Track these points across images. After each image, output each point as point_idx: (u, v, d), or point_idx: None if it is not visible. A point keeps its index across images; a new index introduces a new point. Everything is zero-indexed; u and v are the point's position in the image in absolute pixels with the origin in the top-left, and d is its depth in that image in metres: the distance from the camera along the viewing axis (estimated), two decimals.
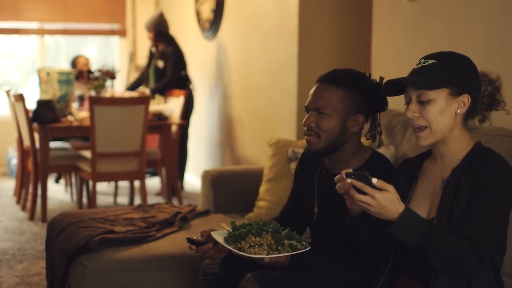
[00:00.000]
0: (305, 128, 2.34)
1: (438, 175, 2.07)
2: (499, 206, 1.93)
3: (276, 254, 2.15)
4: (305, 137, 2.34)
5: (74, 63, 7.08)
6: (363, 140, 2.44)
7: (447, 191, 1.99)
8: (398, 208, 1.87)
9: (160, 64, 6.73)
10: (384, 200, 1.85)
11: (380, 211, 1.86)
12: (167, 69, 6.61)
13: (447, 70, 1.99)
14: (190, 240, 2.37)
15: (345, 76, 2.33)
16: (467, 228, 1.90)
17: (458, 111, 2.01)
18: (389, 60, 3.99)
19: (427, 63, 2.01)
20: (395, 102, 2.48)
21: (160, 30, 6.69)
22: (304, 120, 2.34)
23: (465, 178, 1.96)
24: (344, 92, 2.29)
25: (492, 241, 1.91)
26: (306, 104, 2.35)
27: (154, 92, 6.63)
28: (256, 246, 2.15)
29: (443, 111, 1.99)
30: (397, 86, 2.07)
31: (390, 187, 1.86)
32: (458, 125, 2.04)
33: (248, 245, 2.15)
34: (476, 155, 2.00)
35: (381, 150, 3.16)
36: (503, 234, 1.95)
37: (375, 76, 2.44)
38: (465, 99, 2.01)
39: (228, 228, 2.26)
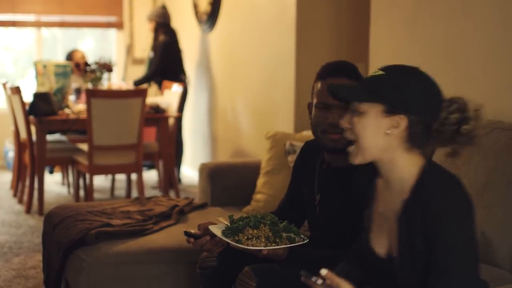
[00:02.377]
0: (329, 126, 2.29)
1: (390, 204, 1.91)
2: (463, 244, 1.75)
3: (274, 246, 2.14)
4: (334, 135, 2.30)
5: (70, 57, 7.07)
6: None
7: (402, 231, 1.84)
8: None
9: (151, 54, 6.80)
10: None
11: None
12: (153, 61, 6.68)
13: (388, 86, 1.83)
14: (187, 234, 2.36)
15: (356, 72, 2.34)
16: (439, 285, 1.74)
17: (389, 131, 1.83)
18: (387, 53, 3.98)
19: (376, 74, 1.87)
20: None
21: (160, 22, 6.73)
22: (335, 118, 2.25)
23: (416, 218, 1.79)
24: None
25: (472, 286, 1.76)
26: (327, 102, 2.30)
27: (136, 84, 6.68)
28: (254, 239, 2.14)
29: (371, 128, 1.84)
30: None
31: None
32: (398, 148, 1.85)
33: (245, 237, 2.14)
34: (423, 186, 1.81)
35: None
36: (477, 265, 1.79)
37: (374, 67, 2.43)
38: (400, 120, 1.82)
39: (226, 222, 2.25)
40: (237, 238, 2.15)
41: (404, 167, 1.86)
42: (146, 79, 6.75)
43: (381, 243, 1.94)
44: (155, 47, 6.76)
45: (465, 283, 1.74)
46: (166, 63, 6.66)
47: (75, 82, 6.42)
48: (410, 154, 1.86)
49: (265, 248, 2.13)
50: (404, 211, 1.84)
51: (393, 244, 1.90)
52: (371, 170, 1.99)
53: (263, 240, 2.14)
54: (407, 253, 1.82)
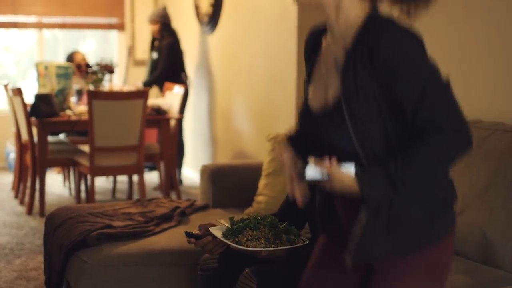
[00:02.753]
0: None
1: (333, 55, 1.83)
2: (431, 71, 1.71)
3: (274, 247, 2.14)
4: None
5: (70, 58, 7.07)
6: None
7: (347, 81, 1.74)
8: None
9: (154, 55, 6.81)
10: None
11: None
12: (159, 62, 6.68)
13: None
14: (188, 234, 2.36)
15: None
16: (423, 124, 1.69)
17: None
18: None
19: None
20: None
21: (164, 23, 6.75)
22: None
23: (362, 61, 1.71)
24: None
25: (455, 115, 1.72)
26: None
27: (145, 85, 6.68)
28: (254, 240, 2.14)
29: None
30: None
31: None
32: None
33: (245, 239, 2.15)
34: (367, 30, 1.73)
35: None
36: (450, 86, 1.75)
37: None
38: None
39: (227, 225, 2.25)
40: (236, 240, 2.15)
41: (350, 13, 1.79)
42: (155, 80, 6.71)
43: (319, 97, 1.85)
44: (159, 48, 6.75)
45: (449, 111, 1.70)
46: (171, 63, 6.67)
47: (77, 83, 6.42)
48: (359, 1, 1.79)
49: (264, 249, 2.13)
50: (347, 57, 1.75)
51: (330, 96, 1.81)
52: (321, 30, 1.94)
53: (262, 241, 2.14)
54: (353, 100, 1.72)
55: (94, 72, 6.03)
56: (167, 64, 6.64)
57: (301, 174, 1.78)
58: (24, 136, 5.74)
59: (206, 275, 2.48)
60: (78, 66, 6.81)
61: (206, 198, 3.79)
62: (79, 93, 6.22)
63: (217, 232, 2.23)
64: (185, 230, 2.41)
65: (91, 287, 2.92)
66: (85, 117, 5.37)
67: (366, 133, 1.73)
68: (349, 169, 1.72)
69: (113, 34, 8.72)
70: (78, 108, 5.74)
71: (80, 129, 5.62)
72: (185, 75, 6.78)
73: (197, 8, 7.01)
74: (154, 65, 6.86)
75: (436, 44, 3.56)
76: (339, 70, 1.77)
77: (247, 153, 6.01)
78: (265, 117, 5.59)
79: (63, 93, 5.75)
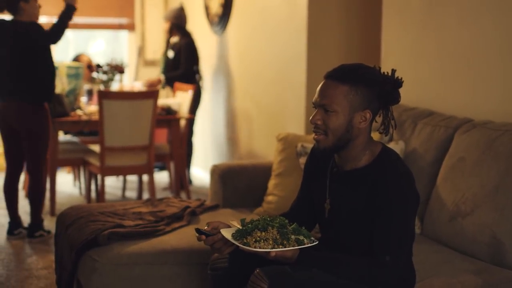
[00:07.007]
0: (313, 126, 2.32)
1: None
2: None
3: (281, 248, 2.15)
4: (313, 135, 2.33)
5: (76, 61, 7.08)
6: (375, 134, 2.42)
7: None
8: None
9: (170, 54, 6.76)
10: None
11: None
12: (181, 62, 6.63)
13: None
14: (198, 231, 2.36)
15: (351, 72, 2.28)
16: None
17: None
18: (399, 54, 3.98)
19: None
20: (404, 97, 2.47)
21: (176, 23, 6.72)
22: (311, 117, 2.32)
23: None
24: (349, 88, 2.25)
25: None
26: (313, 101, 2.33)
27: (168, 80, 6.64)
28: (262, 241, 2.15)
29: None
30: None
31: None
32: None
33: (253, 240, 2.15)
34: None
35: (391, 146, 3.15)
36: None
37: (385, 70, 2.42)
38: None
39: (239, 226, 2.26)
40: (245, 241, 2.16)
41: None
42: (177, 77, 6.66)
43: None
44: (178, 47, 6.70)
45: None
46: (193, 63, 6.64)
47: (87, 83, 6.43)
48: None
49: (272, 250, 2.14)
50: None
51: None
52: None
53: (270, 242, 2.15)
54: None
55: (105, 72, 6.04)
56: (190, 64, 6.61)
57: None
58: None
59: (216, 274, 2.48)
60: (89, 66, 6.83)
61: (216, 198, 3.80)
62: (90, 93, 6.24)
63: (227, 233, 2.24)
64: (196, 227, 2.42)
65: (102, 286, 2.94)
66: (96, 117, 5.39)
67: None
68: None
69: (123, 34, 8.74)
70: (88, 108, 5.76)
71: (90, 129, 5.63)
72: (199, 76, 6.75)
73: (207, 8, 7.02)
74: (171, 63, 6.79)
75: (446, 45, 3.56)
76: None
77: (257, 153, 6.02)
78: (275, 117, 5.60)
79: (73, 93, 5.78)
